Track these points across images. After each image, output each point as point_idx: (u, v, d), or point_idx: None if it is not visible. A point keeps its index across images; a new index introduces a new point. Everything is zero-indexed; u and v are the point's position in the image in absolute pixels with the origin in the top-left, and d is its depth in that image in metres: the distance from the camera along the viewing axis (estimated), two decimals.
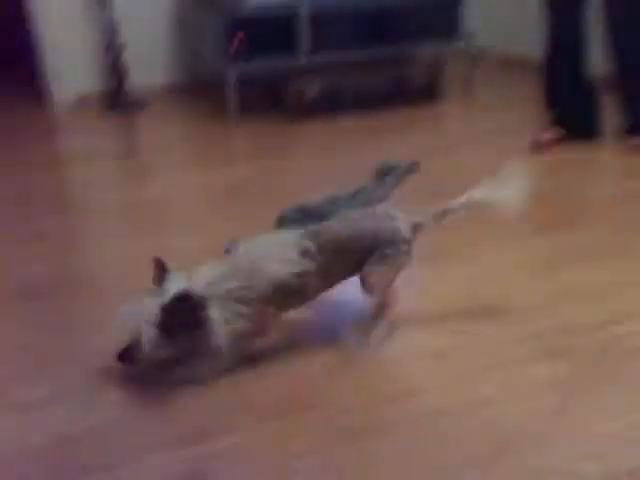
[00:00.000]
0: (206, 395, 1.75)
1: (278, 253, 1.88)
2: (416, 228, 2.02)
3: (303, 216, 2.68)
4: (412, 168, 3.22)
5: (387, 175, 3.10)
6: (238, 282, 1.78)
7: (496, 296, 2.21)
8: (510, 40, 4.77)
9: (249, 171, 3.30)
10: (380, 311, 2.01)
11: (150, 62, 4.34)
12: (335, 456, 1.56)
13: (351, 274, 1.96)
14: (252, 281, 1.79)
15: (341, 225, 2.00)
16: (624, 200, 2.88)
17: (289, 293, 1.85)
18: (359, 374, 1.83)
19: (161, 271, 1.81)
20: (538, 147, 3.41)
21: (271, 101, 4.08)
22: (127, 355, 1.76)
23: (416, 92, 4.10)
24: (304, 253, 1.89)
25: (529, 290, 2.24)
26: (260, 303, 1.80)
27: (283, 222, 2.65)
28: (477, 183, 2.08)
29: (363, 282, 1.93)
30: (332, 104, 3.94)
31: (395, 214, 2.04)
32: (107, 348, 1.81)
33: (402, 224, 2.00)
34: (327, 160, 3.39)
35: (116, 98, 4.20)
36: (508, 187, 1.98)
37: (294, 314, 1.94)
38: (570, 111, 3.47)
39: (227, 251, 2.04)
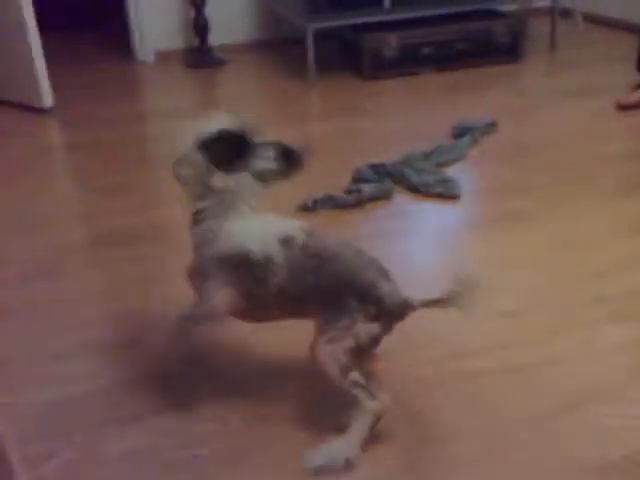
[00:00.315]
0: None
1: (258, 228, 1.57)
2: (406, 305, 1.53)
3: (377, 174, 2.71)
4: (490, 128, 3.18)
5: (464, 135, 3.08)
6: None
7: (573, 260, 2.18)
8: None
9: (325, 128, 3.33)
10: None
11: (231, 19, 4.38)
12: (411, 406, 1.61)
13: (304, 308, 1.54)
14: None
15: (337, 243, 1.59)
16: None
17: (247, 276, 1.53)
18: (434, 329, 1.86)
19: None
20: (624, 108, 3.29)
21: (349, 58, 4.06)
22: None
23: (497, 49, 3.99)
24: (285, 241, 1.54)
25: (607, 254, 2.21)
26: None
27: (358, 180, 2.68)
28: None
29: (312, 349, 1.49)
30: (410, 61, 3.89)
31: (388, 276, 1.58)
32: (173, 299, 1.89)
33: (396, 290, 1.54)
34: (403, 119, 3.38)
35: (197, 55, 4.27)
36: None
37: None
38: None
39: None
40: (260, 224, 1.58)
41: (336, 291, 1.49)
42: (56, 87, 3.59)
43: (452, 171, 2.78)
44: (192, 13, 4.22)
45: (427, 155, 2.88)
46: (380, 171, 2.70)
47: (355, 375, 1.47)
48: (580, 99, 3.48)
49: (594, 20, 4.62)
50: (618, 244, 2.25)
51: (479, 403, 1.63)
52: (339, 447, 1.46)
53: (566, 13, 4.50)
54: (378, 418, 1.47)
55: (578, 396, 1.63)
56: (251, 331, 1.76)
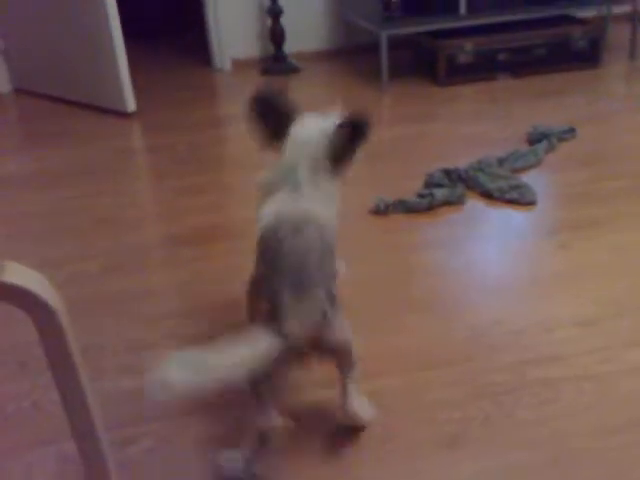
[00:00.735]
0: None
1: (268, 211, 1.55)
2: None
3: (450, 179, 2.70)
4: (567, 134, 3.13)
5: (540, 141, 3.04)
6: None
7: None
8: None
9: (397, 133, 3.34)
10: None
11: (306, 27, 4.45)
12: (479, 411, 1.61)
13: None
14: None
15: (301, 244, 1.46)
16: None
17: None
18: (511, 335, 1.85)
19: None
20: None
21: (422, 64, 4.06)
22: None
23: (575, 56, 3.92)
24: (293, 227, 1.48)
25: None
26: None
27: (430, 184, 2.68)
28: None
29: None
30: (486, 67, 3.86)
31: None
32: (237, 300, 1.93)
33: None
34: (477, 124, 3.35)
35: (273, 63, 4.35)
36: None
37: None
38: None
39: None
40: (274, 206, 1.53)
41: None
42: (138, 93, 3.73)
43: (528, 177, 2.74)
44: (269, 22, 4.31)
45: (501, 161, 2.85)
46: (453, 176, 2.70)
47: (260, 387, 1.38)
48: None
49: None
50: None
51: (553, 410, 1.61)
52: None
53: None
54: (263, 434, 1.42)
55: None
56: None
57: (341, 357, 1.48)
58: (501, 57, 3.86)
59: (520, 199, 2.55)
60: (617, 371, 1.71)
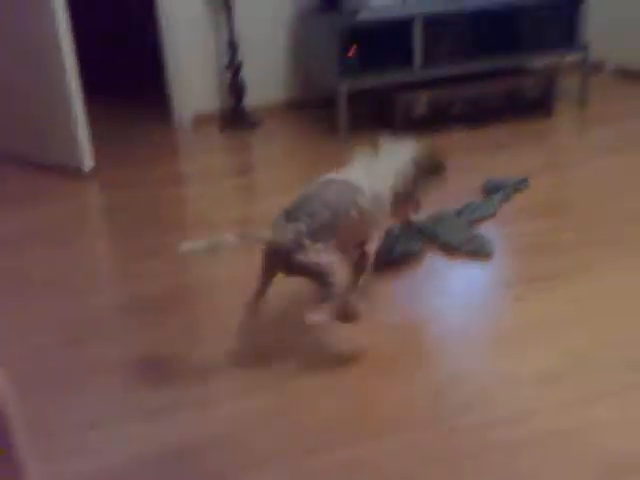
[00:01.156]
0: None
1: None
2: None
3: (408, 233, 2.72)
4: (522, 185, 3.19)
5: (495, 192, 3.09)
6: None
7: (608, 323, 2.15)
8: (627, 51, 4.58)
9: None
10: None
11: (266, 81, 4.50)
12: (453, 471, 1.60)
13: None
14: None
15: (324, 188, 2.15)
16: None
17: None
18: (464, 396, 1.85)
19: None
20: None
21: (381, 116, 4.13)
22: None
23: (528, 106, 4.02)
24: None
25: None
26: None
27: (388, 238, 2.70)
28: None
29: None
30: (441, 118, 3.94)
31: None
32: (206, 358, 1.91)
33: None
34: None
35: (233, 117, 4.39)
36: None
37: None
38: None
39: None
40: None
41: None
42: (96, 150, 3.71)
43: (484, 229, 2.78)
44: (229, 76, 4.35)
45: (459, 212, 2.89)
46: (411, 230, 2.72)
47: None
48: (612, 155, 3.47)
49: (626, 74, 4.63)
50: None
51: (515, 473, 1.60)
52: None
53: (596, 68, 4.52)
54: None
55: (619, 462, 1.60)
56: None
57: (310, 277, 1.99)
58: (456, 109, 3.94)
59: (478, 251, 2.58)
60: (578, 428, 1.72)
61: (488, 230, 2.77)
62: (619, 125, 3.85)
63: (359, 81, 3.92)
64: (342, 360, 2.02)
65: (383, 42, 3.89)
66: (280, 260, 1.98)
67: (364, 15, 3.85)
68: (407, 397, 1.87)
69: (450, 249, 2.62)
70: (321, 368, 1.98)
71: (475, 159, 3.56)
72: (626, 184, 3.14)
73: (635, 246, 2.60)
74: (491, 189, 3.11)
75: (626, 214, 2.85)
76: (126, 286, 2.60)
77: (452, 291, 2.43)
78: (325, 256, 1.97)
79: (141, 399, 1.93)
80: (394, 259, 2.56)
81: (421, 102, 3.90)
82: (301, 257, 1.95)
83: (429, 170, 2.38)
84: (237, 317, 2.02)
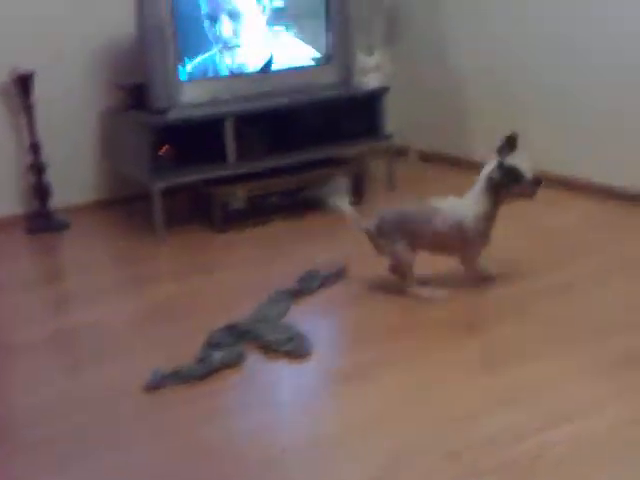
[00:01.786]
0: None
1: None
2: None
3: (231, 336, 2.62)
4: (339, 274, 3.22)
5: (312, 282, 3.09)
6: None
7: (429, 413, 2.16)
8: (427, 137, 4.91)
9: (176, 288, 3.25)
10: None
11: (74, 180, 4.30)
12: None
13: None
14: None
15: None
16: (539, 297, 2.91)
17: None
18: None
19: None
20: None
21: (199, 211, 4.06)
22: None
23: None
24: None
25: (462, 401, 2.21)
26: None
27: (210, 344, 2.58)
28: None
29: None
30: (259, 211, 3.93)
31: None
32: None
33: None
34: (256, 271, 3.36)
35: (39, 220, 4.12)
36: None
37: None
38: None
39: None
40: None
41: None
42: None
43: (304, 320, 2.76)
44: (32, 178, 4.10)
45: (277, 304, 2.87)
46: (235, 332, 2.63)
47: None
48: None
49: (427, 157, 4.93)
50: (471, 390, 2.26)
51: None
52: None
53: (401, 153, 4.79)
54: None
55: None
56: None
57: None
58: (273, 201, 3.97)
59: (294, 351, 2.52)
60: None
61: (309, 323, 2.75)
62: None
63: (173, 179, 3.84)
64: None
65: (195, 139, 3.85)
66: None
67: (174, 114, 3.81)
68: None
69: (270, 349, 2.55)
70: None
71: (293, 250, 3.58)
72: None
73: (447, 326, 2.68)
74: (309, 279, 3.11)
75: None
76: None
77: (272, 399, 2.35)
78: (401, 255, 2.90)
79: None
80: (213, 370, 2.43)
81: (238, 196, 3.89)
82: (385, 248, 2.94)
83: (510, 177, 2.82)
84: None
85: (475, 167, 3.05)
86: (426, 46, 4.79)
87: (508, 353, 2.48)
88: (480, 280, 2.95)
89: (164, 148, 3.84)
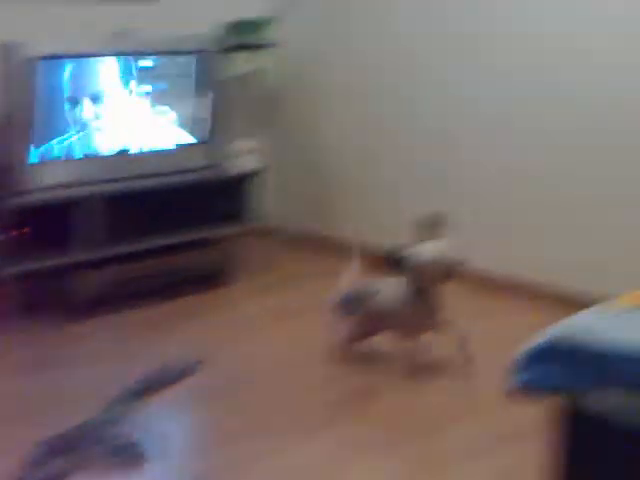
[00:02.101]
0: None
1: None
2: None
3: (52, 452, 2.35)
4: (193, 368, 3.01)
5: (163, 378, 2.86)
6: None
7: None
8: (296, 216, 4.82)
9: (5, 388, 2.94)
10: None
11: None
12: None
13: None
14: None
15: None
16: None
17: None
18: None
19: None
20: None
21: (49, 301, 3.77)
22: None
23: (207, 277, 3.97)
24: None
25: None
26: None
27: (29, 463, 2.29)
28: None
29: None
30: (116, 299, 3.70)
31: None
32: None
33: None
34: (102, 366, 3.13)
35: None
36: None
37: None
38: None
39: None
40: None
41: None
42: None
43: (152, 421, 2.57)
44: None
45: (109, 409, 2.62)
46: (56, 448, 2.35)
47: None
48: (294, 319, 3.52)
49: (305, 238, 4.80)
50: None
51: None
52: None
53: (273, 234, 4.68)
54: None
55: None
56: None
57: None
58: (125, 289, 3.74)
59: (128, 461, 2.30)
60: None
61: (154, 423, 2.57)
62: (293, 289, 3.93)
63: (25, 264, 3.57)
64: None
65: (44, 224, 3.60)
66: None
67: (19, 199, 3.55)
68: None
69: (98, 461, 2.32)
70: None
71: (150, 341, 3.37)
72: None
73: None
74: (158, 375, 2.89)
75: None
76: None
77: None
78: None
79: None
80: None
81: (100, 281, 3.66)
82: None
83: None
84: None
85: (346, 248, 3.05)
86: (302, 127, 4.76)
87: None
88: (414, 366, 2.85)
89: (19, 231, 3.57)
